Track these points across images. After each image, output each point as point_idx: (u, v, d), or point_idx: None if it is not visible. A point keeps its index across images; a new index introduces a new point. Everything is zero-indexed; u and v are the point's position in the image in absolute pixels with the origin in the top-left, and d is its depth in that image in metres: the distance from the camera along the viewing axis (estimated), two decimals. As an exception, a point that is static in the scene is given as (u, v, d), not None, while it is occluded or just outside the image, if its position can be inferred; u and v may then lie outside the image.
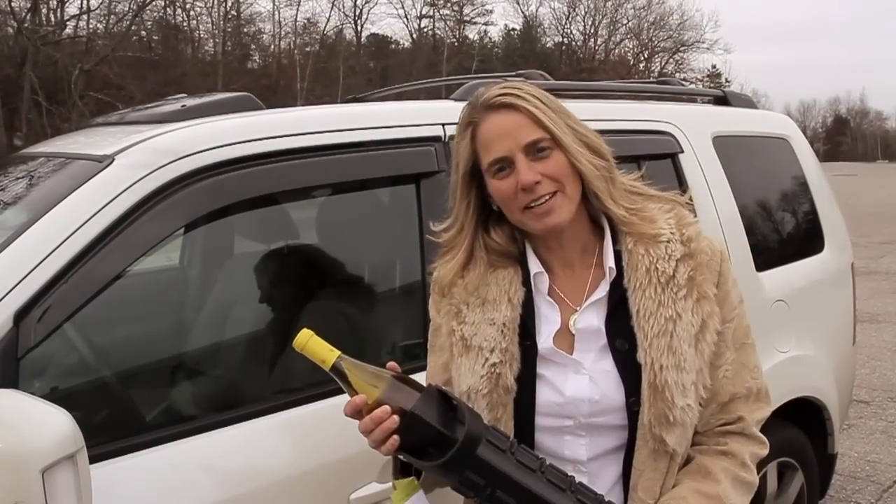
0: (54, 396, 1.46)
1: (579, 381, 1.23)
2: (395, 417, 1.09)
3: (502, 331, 1.25)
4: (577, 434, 1.24)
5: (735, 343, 1.28)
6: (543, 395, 1.25)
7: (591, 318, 1.24)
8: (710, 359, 1.23)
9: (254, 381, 1.75)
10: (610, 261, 1.25)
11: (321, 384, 1.69)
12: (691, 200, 1.34)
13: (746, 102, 3.02)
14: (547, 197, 1.19)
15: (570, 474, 1.17)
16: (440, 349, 1.34)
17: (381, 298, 1.95)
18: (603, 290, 1.25)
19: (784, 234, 2.88)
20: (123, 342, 1.80)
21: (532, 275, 1.27)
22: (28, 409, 1.15)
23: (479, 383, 1.24)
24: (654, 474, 1.22)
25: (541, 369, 1.25)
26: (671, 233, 1.25)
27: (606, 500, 1.17)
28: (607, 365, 1.22)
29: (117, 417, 1.58)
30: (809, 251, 2.86)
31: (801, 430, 2.70)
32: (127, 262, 1.48)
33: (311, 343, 1.12)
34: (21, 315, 1.34)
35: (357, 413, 1.13)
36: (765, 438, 1.31)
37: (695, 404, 1.21)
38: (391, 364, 1.17)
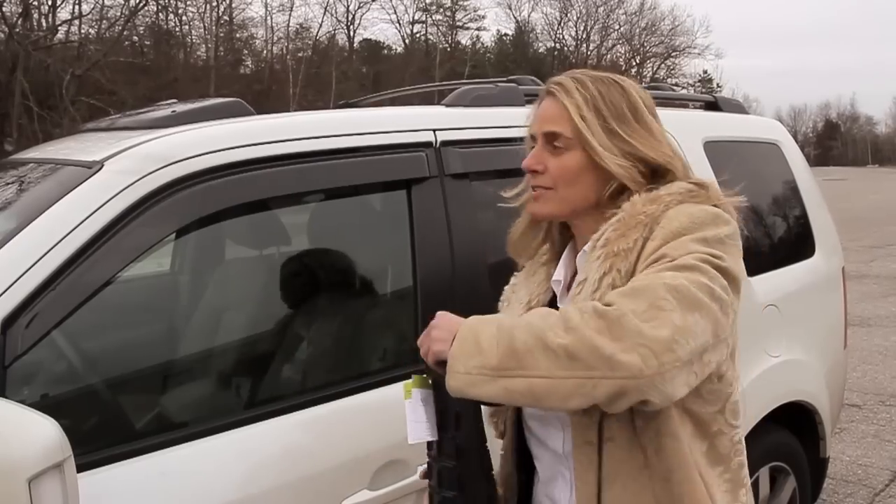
0: (43, 404, 1.45)
1: None
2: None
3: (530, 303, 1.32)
4: (555, 426, 1.25)
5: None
6: None
7: None
8: None
9: (244, 389, 1.74)
10: (560, 274, 1.30)
11: (312, 391, 1.68)
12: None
13: (737, 108, 3.03)
14: (541, 188, 1.26)
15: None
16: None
17: (372, 304, 1.95)
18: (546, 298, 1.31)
19: (775, 239, 2.89)
20: (113, 349, 1.79)
21: (552, 280, 1.32)
22: (14, 418, 1.14)
23: None
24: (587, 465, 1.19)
25: None
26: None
27: None
28: None
29: (106, 425, 1.57)
30: (800, 255, 2.87)
31: (793, 434, 2.70)
32: (116, 268, 1.47)
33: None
34: (8, 322, 1.33)
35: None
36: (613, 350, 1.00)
37: None
38: None
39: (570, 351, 1.00)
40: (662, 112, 1.33)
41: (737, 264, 1.14)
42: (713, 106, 2.97)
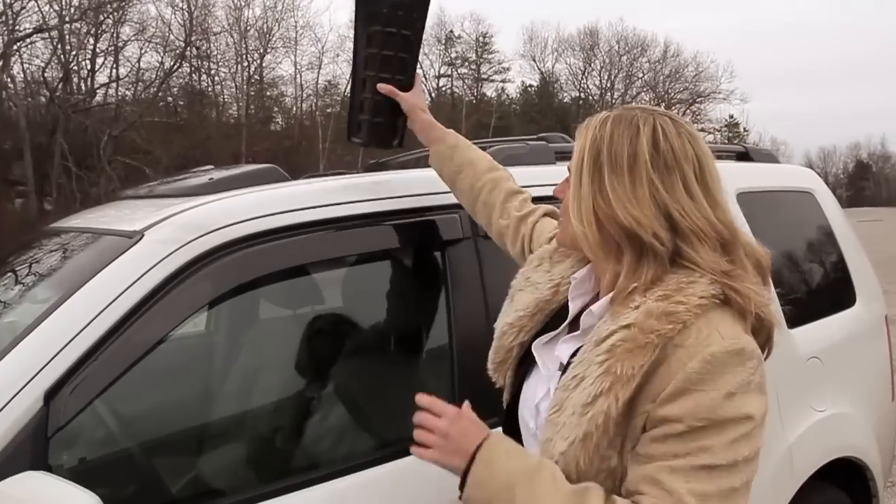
0: (83, 468, 1.46)
1: (538, 388, 1.24)
2: None
3: (535, 302, 1.32)
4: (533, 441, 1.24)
5: (669, 452, 1.05)
6: (526, 386, 1.29)
7: (564, 351, 1.22)
8: (598, 440, 1.09)
9: (281, 456, 1.72)
10: (583, 281, 1.27)
11: (353, 457, 1.66)
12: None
13: (768, 157, 3.01)
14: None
15: None
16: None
17: (409, 366, 1.94)
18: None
19: (814, 289, 2.84)
20: (153, 415, 1.80)
21: (572, 276, 1.30)
22: (56, 493, 1.14)
23: (499, 327, 1.36)
24: None
25: (538, 358, 1.27)
26: (641, 299, 1.12)
27: None
28: None
29: (145, 493, 1.57)
30: (841, 305, 2.81)
31: (843, 491, 2.61)
32: (157, 336, 1.49)
33: None
34: (51, 394, 1.35)
35: None
36: None
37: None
38: None
39: None
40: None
41: (761, 407, 1.08)
42: (744, 156, 2.96)
